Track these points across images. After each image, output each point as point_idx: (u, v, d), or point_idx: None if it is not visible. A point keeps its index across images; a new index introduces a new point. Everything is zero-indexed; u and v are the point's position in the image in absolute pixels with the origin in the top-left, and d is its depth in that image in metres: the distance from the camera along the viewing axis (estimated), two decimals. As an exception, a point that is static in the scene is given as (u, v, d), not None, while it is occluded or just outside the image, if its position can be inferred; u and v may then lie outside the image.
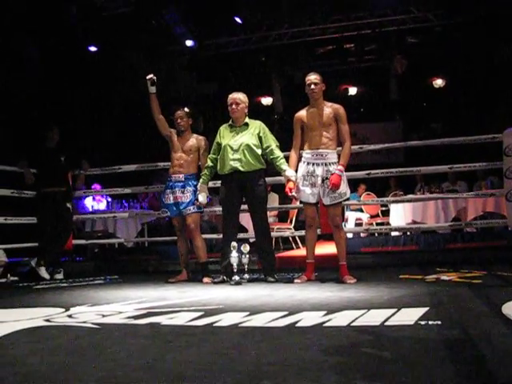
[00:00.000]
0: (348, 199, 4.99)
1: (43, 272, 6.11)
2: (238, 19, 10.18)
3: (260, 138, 5.02)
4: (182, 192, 5.29)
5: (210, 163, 5.18)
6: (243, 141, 4.95)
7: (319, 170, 4.67)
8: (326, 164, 4.66)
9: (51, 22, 8.75)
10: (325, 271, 5.20)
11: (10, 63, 7.93)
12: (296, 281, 4.75)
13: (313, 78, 4.78)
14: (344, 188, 4.68)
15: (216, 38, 11.59)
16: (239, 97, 5.07)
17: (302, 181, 4.74)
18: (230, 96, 5.08)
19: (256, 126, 5.07)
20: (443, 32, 11.23)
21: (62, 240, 6.48)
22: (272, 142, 5.01)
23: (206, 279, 5.11)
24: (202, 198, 5.09)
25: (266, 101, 14.24)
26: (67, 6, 9.25)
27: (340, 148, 4.82)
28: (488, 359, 1.99)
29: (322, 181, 4.65)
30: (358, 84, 13.82)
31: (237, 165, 4.93)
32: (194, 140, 5.42)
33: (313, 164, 4.69)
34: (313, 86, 4.75)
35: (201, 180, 5.18)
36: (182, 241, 5.45)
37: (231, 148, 4.96)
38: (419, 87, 13.30)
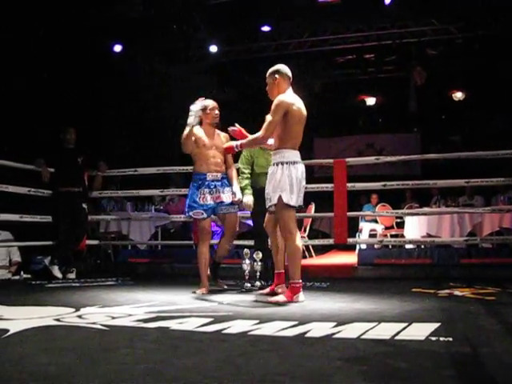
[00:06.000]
0: (273, 206, 4.33)
1: (56, 271, 6.15)
2: (266, 27, 10.20)
3: None
4: (223, 192, 4.93)
5: (248, 175, 5.16)
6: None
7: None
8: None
9: (73, 24, 8.84)
10: (337, 281, 5.17)
11: (31, 63, 8.01)
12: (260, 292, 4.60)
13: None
14: (270, 192, 4.25)
15: (236, 44, 11.63)
16: None
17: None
18: None
19: None
20: (464, 44, 11.17)
21: (77, 240, 6.53)
22: None
23: (219, 282, 5.09)
24: (249, 200, 5.01)
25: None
26: (89, 8, 9.35)
27: (284, 149, 4.25)
28: (498, 379, 1.96)
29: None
30: (376, 94, 13.79)
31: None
32: (223, 138, 5.03)
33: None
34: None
35: (248, 191, 5.06)
36: (207, 246, 4.98)
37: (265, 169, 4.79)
38: (438, 99, 13.23)
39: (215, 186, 4.88)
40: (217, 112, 4.96)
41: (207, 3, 9.50)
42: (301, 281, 4.14)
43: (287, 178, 4.13)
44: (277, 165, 4.19)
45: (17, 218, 6.47)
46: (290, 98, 4.22)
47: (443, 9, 9.89)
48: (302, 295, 4.10)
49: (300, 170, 4.21)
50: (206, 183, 4.87)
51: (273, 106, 4.17)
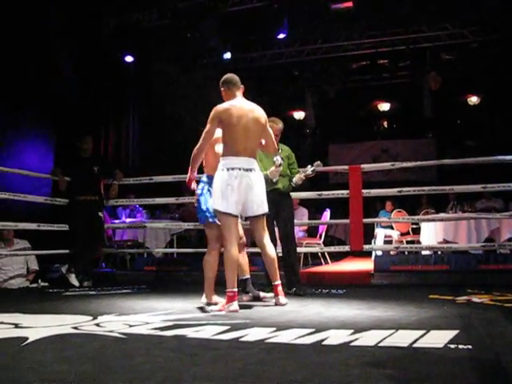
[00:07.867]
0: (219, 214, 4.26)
1: (73, 279, 6.19)
2: (280, 34, 10.18)
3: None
4: None
5: None
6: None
7: None
8: None
9: (88, 33, 8.93)
10: (354, 288, 5.14)
11: (47, 74, 8.09)
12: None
13: None
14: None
15: (250, 51, 11.66)
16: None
17: None
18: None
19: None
20: (479, 49, 11.10)
21: (94, 248, 6.57)
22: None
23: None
24: None
25: (299, 115, 14.29)
26: (104, 18, 9.44)
27: (224, 157, 4.24)
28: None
29: None
30: (391, 100, 13.76)
31: (279, 185, 5.09)
32: None
33: None
34: None
35: None
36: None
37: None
38: (453, 104, 13.17)
39: None
40: None
41: (221, 11, 9.54)
42: (235, 289, 4.08)
43: (219, 184, 4.12)
44: (221, 171, 4.18)
45: (34, 227, 6.53)
46: (224, 105, 4.26)
47: (457, 13, 9.84)
48: (235, 304, 4.01)
49: (236, 175, 4.11)
50: None
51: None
